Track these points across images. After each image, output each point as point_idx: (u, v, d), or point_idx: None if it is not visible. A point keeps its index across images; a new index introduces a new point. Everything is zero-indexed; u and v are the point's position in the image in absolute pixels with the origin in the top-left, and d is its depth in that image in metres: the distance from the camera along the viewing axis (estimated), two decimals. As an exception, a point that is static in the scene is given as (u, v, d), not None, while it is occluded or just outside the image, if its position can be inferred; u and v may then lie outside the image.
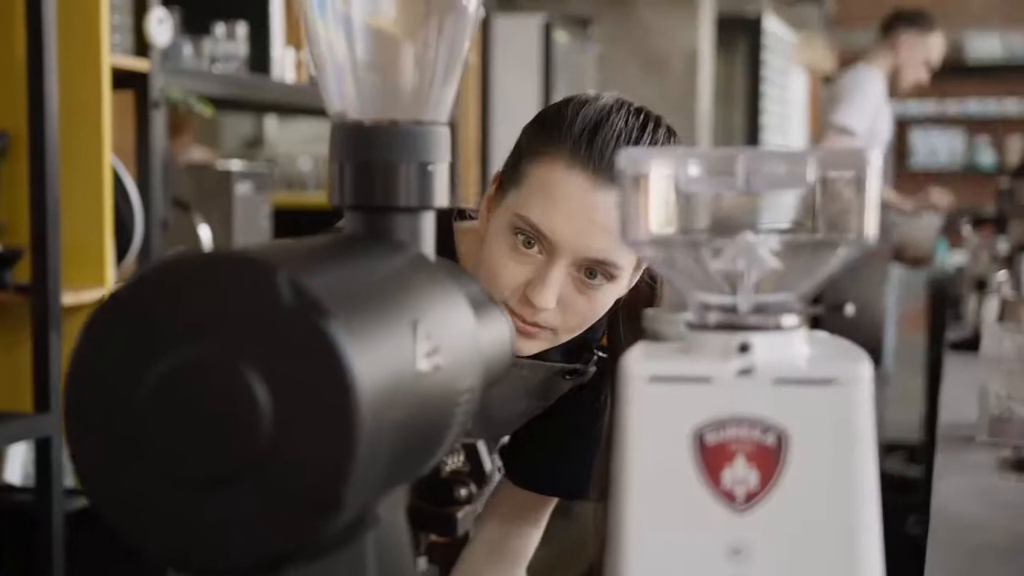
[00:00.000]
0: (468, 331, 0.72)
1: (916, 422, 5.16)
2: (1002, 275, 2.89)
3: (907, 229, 4.73)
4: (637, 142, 1.26)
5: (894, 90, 4.64)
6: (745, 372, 0.65)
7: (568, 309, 1.27)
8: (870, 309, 4.28)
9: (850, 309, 3.40)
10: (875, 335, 4.37)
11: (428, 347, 0.65)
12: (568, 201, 1.24)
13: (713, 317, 0.67)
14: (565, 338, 1.31)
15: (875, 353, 4.39)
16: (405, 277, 0.69)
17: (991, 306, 2.78)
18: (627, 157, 0.67)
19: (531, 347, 1.30)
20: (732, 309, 0.67)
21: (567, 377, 1.45)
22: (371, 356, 0.59)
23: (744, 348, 0.65)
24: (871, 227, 0.66)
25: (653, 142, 1.27)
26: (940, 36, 4.61)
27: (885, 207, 4.55)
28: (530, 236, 1.25)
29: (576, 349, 1.45)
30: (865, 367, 0.65)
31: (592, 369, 1.45)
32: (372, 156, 0.73)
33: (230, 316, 0.58)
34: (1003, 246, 3.75)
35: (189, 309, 0.58)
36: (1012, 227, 3.71)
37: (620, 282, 1.29)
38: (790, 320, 0.67)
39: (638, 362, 0.66)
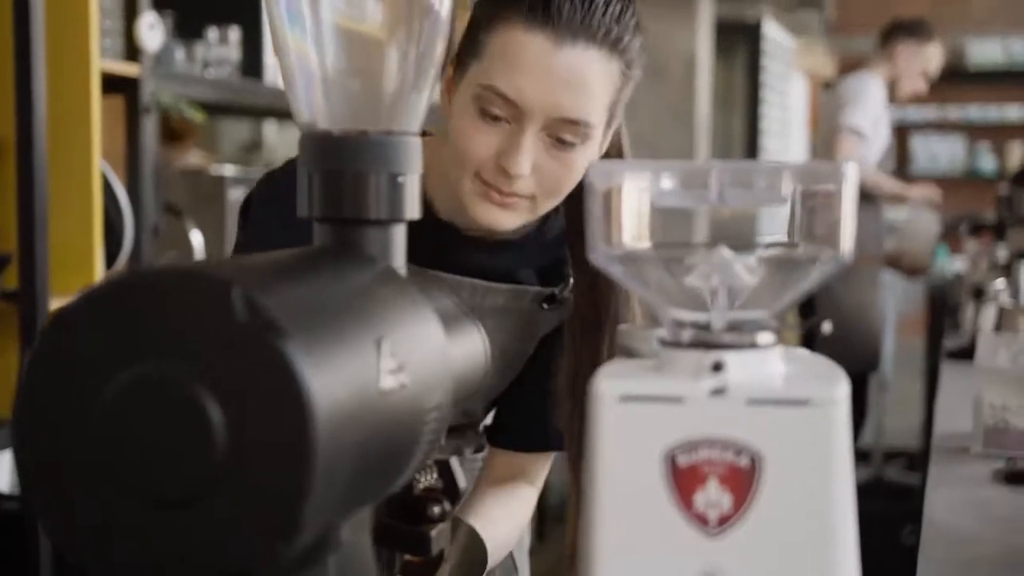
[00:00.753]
0: (437, 347, 0.70)
1: (916, 428, 5.14)
2: (1000, 283, 2.87)
3: (904, 238, 4.70)
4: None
5: (892, 98, 4.63)
6: (718, 392, 0.63)
7: (543, 175, 1.26)
8: (864, 314, 4.26)
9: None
10: (871, 341, 4.35)
11: (393, 364, 0.63)
12: (531, 63, 1.23)
13: (686, 334, 0.65)
14: (544, 207, 1.30)
15: (871, 359, 4.38)
16: (371, 292, 0.68)
17: (988, 314, 2.76)
18: (597, 170, 0.65)
19: (510, 219, 1.29)
20: (706, 326, 0.65)
21: (545, 307, 1.42)
22: (330, 374, 0.57)
23: (717, 367, 0.63)
24: (847, 243, 0.64)
25: (607, 1, 1.26)
26: (938, 46, 4.58)
27: (873, 195, 4.50)
28: (496, 105, 1.24)
29: (549, 271, 1.43)
30: (842, 388, 0.63)
31: (568, 296, 1.42)
32: (341, 167, 0.71)
33: (184, 334, 0.56)
34: (1003, 253, 3.73)
35: (142, 326, 0.56)
36: (1011, 235, 3.70)
37: (592, 143, 1.28)
38: (765, 338, 0.65)
39: (608, 381, 0.64)
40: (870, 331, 4.39)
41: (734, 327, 0.65)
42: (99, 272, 2.51)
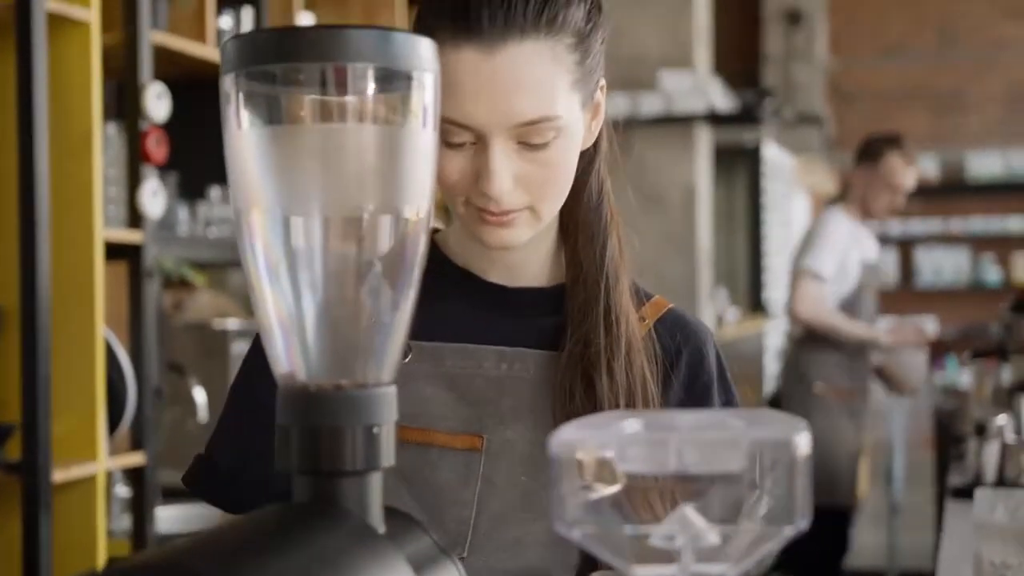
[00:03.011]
0: (411, 605, 0.71)
1: (930, 548, 5.08)
2: (1002, 419, 2.86)
3: (892, 364, 4.72)
4: None
5: (870, 217, 4.68)
6: (682, 662, 0.64)
7: (529, 182, 1.20)
8: (837, 448, 4.32)
9: None
10: (846, 474, 4.39)
11: (364, 637, 0.65)
12: (467, 82, 1.16)
13: (652, 597, 0.67)
14: (548, 212, 1.23)
15: (847, 492, 4.40)
16: (343, 559, 0.69)
17: (992, 451, 2.76)
18: (559, 441, 0.67)
19: (517, 234, 1.23)
20: (671, 586, 0.67)
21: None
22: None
23: (682, 634, 0.64)
24: (805, 509, 0.65)
25: None
26: (898, 157, 4.57)
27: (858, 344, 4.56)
28: (454, 134, 1.17)
29: None
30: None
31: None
32: (318, 422, 0.73)
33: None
34: (1007, 375, 3.72)
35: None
36: (1014, 361, 3.70)
37: (568, 131, 1.21)
38: (730, 598, 0.66)
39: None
40: (845, 464, 4.43)
41: (699, 587, 0.67)
42: (102, 440, 2.52)
